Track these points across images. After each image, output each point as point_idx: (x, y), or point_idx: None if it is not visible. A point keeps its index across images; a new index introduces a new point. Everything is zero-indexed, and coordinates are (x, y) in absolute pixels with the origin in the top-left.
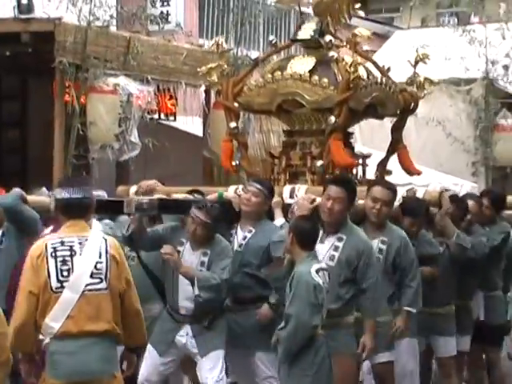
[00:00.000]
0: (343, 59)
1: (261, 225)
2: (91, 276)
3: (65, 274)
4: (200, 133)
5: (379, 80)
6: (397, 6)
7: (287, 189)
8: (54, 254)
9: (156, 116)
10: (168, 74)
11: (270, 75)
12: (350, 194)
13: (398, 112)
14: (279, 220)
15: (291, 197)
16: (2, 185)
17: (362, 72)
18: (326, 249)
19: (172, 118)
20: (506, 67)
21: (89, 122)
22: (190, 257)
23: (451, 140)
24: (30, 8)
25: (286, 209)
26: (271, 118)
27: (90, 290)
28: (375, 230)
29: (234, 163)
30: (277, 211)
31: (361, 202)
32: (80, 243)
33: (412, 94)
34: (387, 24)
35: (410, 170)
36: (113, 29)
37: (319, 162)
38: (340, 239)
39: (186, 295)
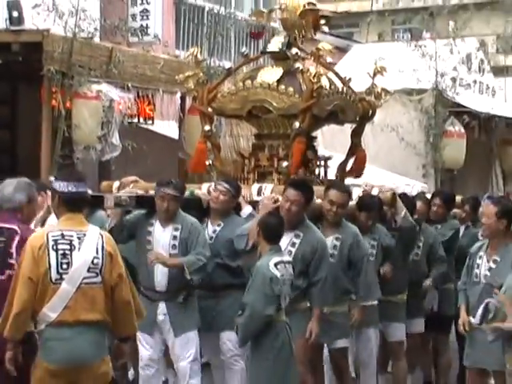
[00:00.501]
0: (308, 70)
1: (228, 219)
2: (88, 270)
3: (64, 266)
4: (176, 136)
5: (340, 89)
6: (356, 22)
7: (255, 187)
8: (55, 247)
9: (135, 120)
10: (147, 82)
11: (241, 84)
12: (306, 196)
13: (358, 119)
14: (247, 208)
15: (259, 194)
16: None
17: (324, 82)
18: (285, 244)
19: (150, 122)
20: (453, 79)
21: (74, 125)
22: (162, 234)
23: (404, 145)
24: (20, 20)
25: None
26: (241, 123)
27: (86, 283)
28: (331, 227)
29: (207, 163)
30: (243, 202)
31: (318, 201)
32: (79, 238)
33: (370, 102)
34: (347, 38)
35: (354, 172)
36: (96, 40)
37: (285, 163)
38: (297, 236)
39: (161, 271)
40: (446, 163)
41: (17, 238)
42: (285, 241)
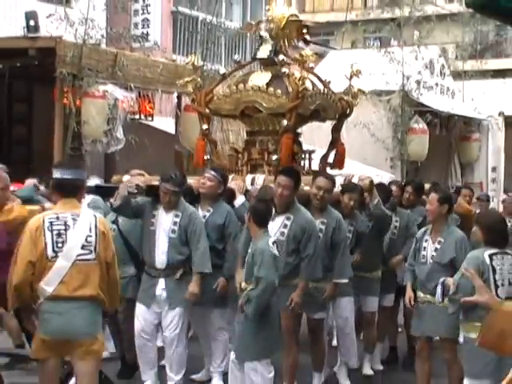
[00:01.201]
0: (293, 74)
1: (217, 206)
2: (82, 248)
3: (59, 245)
4: (173, 131)
5: (322, 91)
6: (331, 31)
7: (249, 178)
8: (50, 228)
9: (137, 117)
10: (147, 83)
11: (234, 87)
12: (295, 181)
13: (337, 116)
14: (240, 198)
15: (252, 184)
16: (11, 171)
17: (308, 84)
18: (277, 226)
19: (150, 118)
20: (417, 82)
21: (83, 120)
22: (164, 218)
23: (374, 139)
24: (36, 28)
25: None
26: (230, 121)
27: (80, 260)
28: (318, 212)
29: (205, 157)
30: (237, 193)
31: (306, 188)
32: (73, 219)
33: (348, 101)
34: (324, 45)
35: (337, 165)
36: (103, 46)
37: (274, 157)
38: (288, 218)
39: (162, 251)
40: (411, 156)
41: None
42: (277, 223)
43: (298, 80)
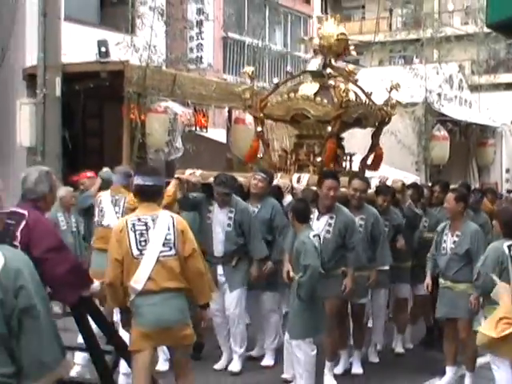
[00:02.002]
0: (338, 86)
1: (264, 202)
2: (163, 245)
3: (142, 243)
4: (224, 140)
5: (364, 101)
6: (361, 51)
7: (295, 176)
8: (133, 229)
9: (193, 128)
10: (202, 99)
11: (286, 95)
12: (339, 183)
13: (377, 124)
14: (288, 197)
15: (298, 182)
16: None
17: (351, 95)
18: (323, 225)
19: (204, 130)
20: (439, 95)
21: (147, 133)
22: (220, 214)
23: (401, 146)
24: (107, 54)
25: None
26: (275, 129)
27: (163, 256)
28: (356, 210)
29: (259, 156)
30: (285, 192)
31: (342, 189)
32: (153, 220)
33: (387, 111)
34: (354, 63)
35: (373, 166)
36: (164, 68)
37: (318, 158)
38: (331, 217)
39: (219, 241)
40: (434, 160)
41: (23, 223)
42: (322, 222)
43: (343, 92)
